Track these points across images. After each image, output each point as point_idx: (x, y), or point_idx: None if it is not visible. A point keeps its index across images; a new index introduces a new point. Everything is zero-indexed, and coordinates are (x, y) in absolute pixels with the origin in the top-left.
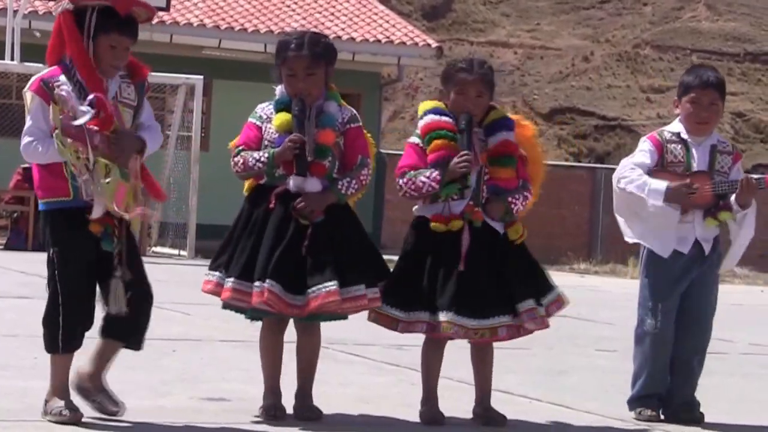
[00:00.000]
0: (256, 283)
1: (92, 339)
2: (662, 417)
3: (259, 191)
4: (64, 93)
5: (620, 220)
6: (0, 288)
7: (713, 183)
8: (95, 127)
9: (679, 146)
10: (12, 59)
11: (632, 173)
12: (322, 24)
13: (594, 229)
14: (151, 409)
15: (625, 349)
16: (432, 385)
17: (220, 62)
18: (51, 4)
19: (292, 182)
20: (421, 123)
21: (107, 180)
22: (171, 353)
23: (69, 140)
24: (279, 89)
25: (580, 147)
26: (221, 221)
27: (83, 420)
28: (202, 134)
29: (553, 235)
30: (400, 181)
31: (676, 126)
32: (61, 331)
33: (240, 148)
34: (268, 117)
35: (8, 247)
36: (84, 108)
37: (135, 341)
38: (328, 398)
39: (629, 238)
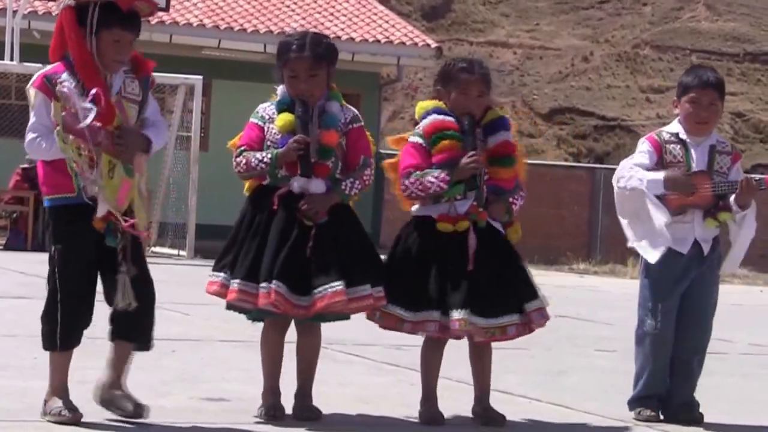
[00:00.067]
0: (263, 285)
1: (92, 339)
2: (662, 417)
3: (261, 192)
4: (66, 90)
5: (623, 222)
6: None
7: (713, 183)
8: (98, 124)
9: (678, 146)
10: (11, 59)
11: (631, 172)
12: (322, 24)
13: (593, 230)
14: (151, 409)
15: (624, 349)
16: (431, 385)
17: (220, 62)
18: (50, 4)
19: (297, 183)
20: (424, 123)
21: (111, 177)
22: (171, 353)
23: (71, 137)
24: (280, 89)
25: (580, 147)
26: (221, 221)
27: (83, 420)
28: (202, 134)
29: (553, 236)
30: (406, 181)
31: (675, 126)
32: (59, 328)
33: (242, 148)
34: (271, 117)
35: (7, 247)
36: (87, 105)
37: (144, 340)
38: (327, 398)
39: (630, 242)
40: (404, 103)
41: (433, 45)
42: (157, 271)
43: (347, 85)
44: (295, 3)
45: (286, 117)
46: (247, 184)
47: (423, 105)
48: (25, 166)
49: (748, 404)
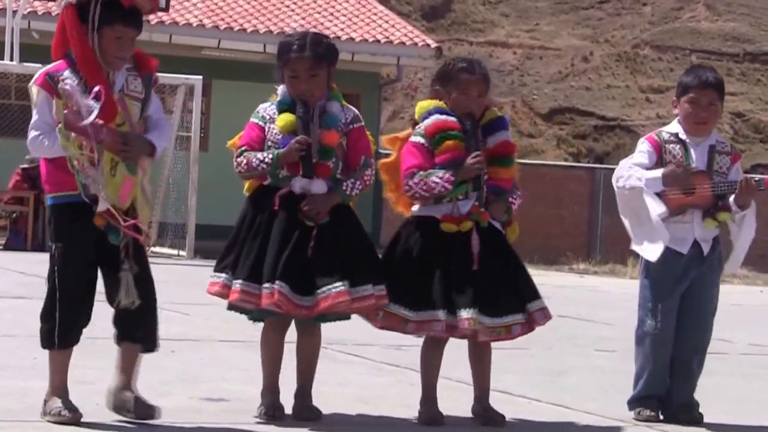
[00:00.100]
0: (266, 285)
1: (92, 339)
2: (661, 417)
3: (262, 192)
4: (68, 87)
5: (625, 223)
6: None
7: (712, 183)
8: (101, 121)
9: (678, 146)
10: (11, 59)
11: (630, 171)
12: (322, 24)
13: (593, 230)
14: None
15: (624, 349)
16: (431, 385)
17: (220, 62)
18: (50, 4)
19: (298, 184)
20: (426, 122)
21: (113, 175)
22: (170, 353)
23: (73, 134)
24: (281, 89)
25: (580, 147)
26: (220, 221)
27: (83, 420)
28: (201, 134)
29: (552, 236)
30: (410, 181)
31: (675, 126)
32: (57, 327)
33: (243, 148)
34: (271, 117)
35: (7, 247)
36: (90, 102)
37: (149, 341)
38: (326, 398)
39: (633, 244)
40: (404, 103)
41: (433, 45)
42: (156, 271)
43: (347, 85)
44: (295, 3)
45: (287, 117)
46: (247, 184)
47: (423, 105)
48: (25, 166)
49: (748, 404)
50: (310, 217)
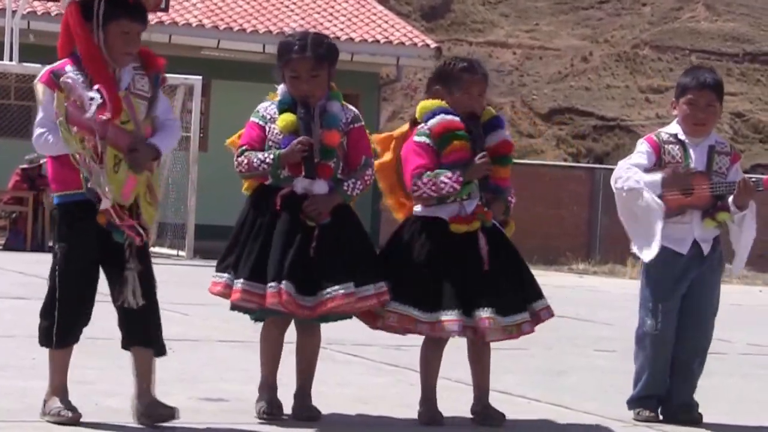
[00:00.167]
0: (272, 284)
1: (92, 339)
2: (661, 417)
3: (262, 192)
4: (69, 81)
5: (624, 224)
6: None
7: (711, 184)
8: (105, 117)
9: (677, 147)
10: (11, 60)
11: (628, 172)
12: (321, 24)
13: (593, 230)
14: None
15: (624, 349)
16: (431, 386)
17: (219, 62)
18: (50, 4)
19: (300, 184)
20: (431, 123)
21: (116, 172)
22: (169, 353)
23: (75, 129)
24: (281, 89)
25: (579, 147)
26: (220, 222)
27: (82, 420)
28: (201, 134)
29: (552, 236)
30: (418, 181)
31: (674, 127)
32: (56, 326)
33: (243, 148)
34: (272, 117)
35: (7, 247)
36: (92, 94)
37: (156, 344)
38: (326, 398)
39: (632, 246)
40: (403, 104)
41: (433, 45)
42: (156, 271)
43: (346, 85)
44: (295, 3)
45: (287, 117)
46: (246, 184)
47: (425, 105)
48: (25, 166)
49: (748, 404)
50: (311, 218)
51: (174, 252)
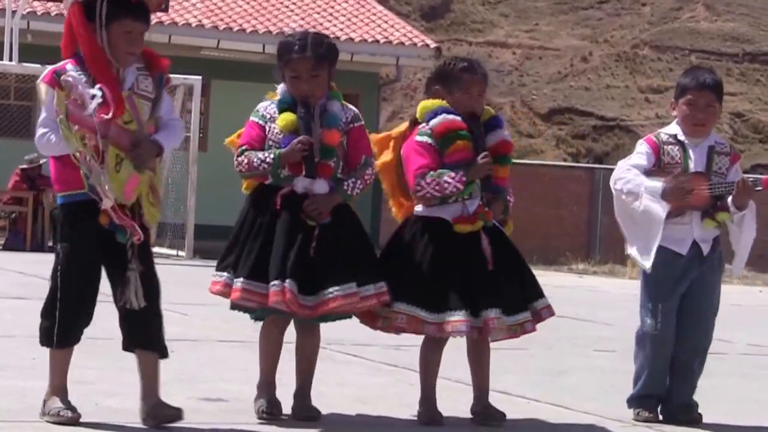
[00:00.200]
0: (275, 282)
1: (92, 339)
2: (660, 417)
3: (262, 191)
4: (70, 79)
5: (621, 224)
6: None
7: (710, 184)
8: (107, 116)
9: (676, 148)
10: (10, 60)
11: (628, 174)
12: (321, 24)
13: (592, 230)
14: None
15: (624, 349)
16: (430, 385)
17: (219, 63)
18: (49, 4)
19: (300, 184)
20: (434, 122)
21: (118, 171)
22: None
23: (76, 127)
24: (281, 88)
25: (579, 147)
26: (219, 222)
27: (81, 420)
28: (201, 135)
29: (552, 236)
30: (422, 181)
31: (674, 128)
32: (57, 326)
33: (243, 147)
34: (272, 117)
35: (6, 247)
36: (92, 91)
37: (158, 347)
38: (325, 398)
39: (628, 249)
40: (403, 104)
41: (432, 45)
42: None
43: (346, 85)
44: (294, 3)
45: (288, 117)
46: (245, 183)
47: (427, 105)
48: (24, 166)
49: (747, 404)
50: (312, 217)
51: (173, 252)
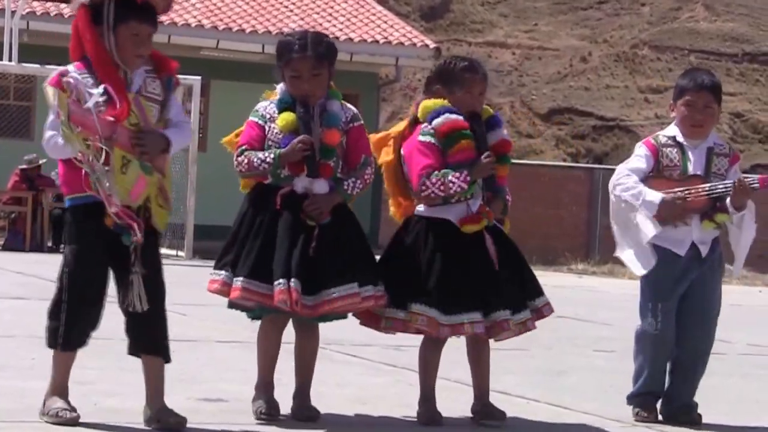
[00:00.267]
0: (281, 281)
1: (93, 339)
2: (660, 418)
3: (261, 191)
4: (71, 80)
5: (614, 228)
6: None
7: (708, 187)
8: (110, 118)
9: (675, 150)
10: (10, 60)
11: (628, 180)
12: (320, 24)
13: (592, 230)
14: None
15: (623, 349)
16: (430, 386)
17: (218, 63)
18: (49, 5)
19: (301, 184)
20: (437, 122)
21: (124, 172)
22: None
23: (78, 128)
24: (280, 88)
25: (578, 147)
26: (219, 222)
27: (81, 420)
28: (200, 135)
29: (551, 236)
30: (427, 181)
31: (672, 130)
32: (62, 329)
33: (243, 147)
34: (271, 116)
35: (6, 247)
36: (93, 90)
37: (163, 350)
38: (325, 398)
39: (618, 251)
40: (403, 104)
41: (432, 45)
42: None
43: (345, 85)
44: (294, 3)
45: (287, 116)
46: (243, 182)
47: (428, 104)
48: (24, 166)
49: (747, 405)
50: (312, 217)
51: (173, 252)
